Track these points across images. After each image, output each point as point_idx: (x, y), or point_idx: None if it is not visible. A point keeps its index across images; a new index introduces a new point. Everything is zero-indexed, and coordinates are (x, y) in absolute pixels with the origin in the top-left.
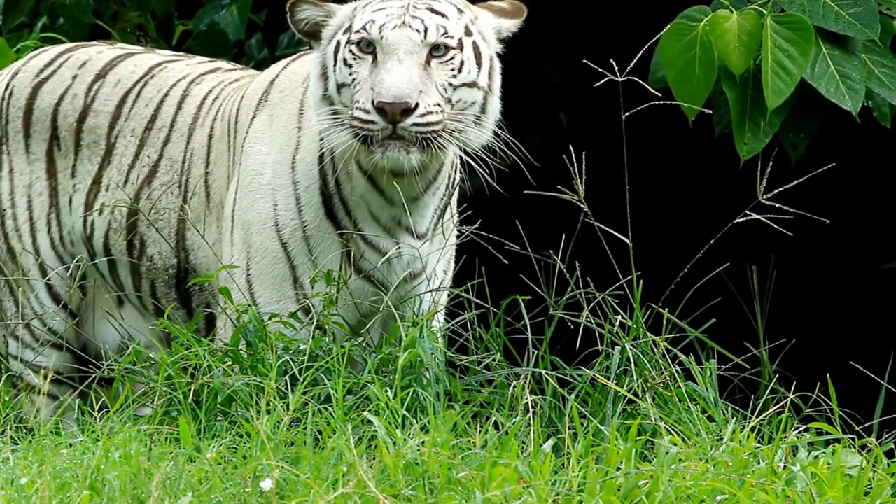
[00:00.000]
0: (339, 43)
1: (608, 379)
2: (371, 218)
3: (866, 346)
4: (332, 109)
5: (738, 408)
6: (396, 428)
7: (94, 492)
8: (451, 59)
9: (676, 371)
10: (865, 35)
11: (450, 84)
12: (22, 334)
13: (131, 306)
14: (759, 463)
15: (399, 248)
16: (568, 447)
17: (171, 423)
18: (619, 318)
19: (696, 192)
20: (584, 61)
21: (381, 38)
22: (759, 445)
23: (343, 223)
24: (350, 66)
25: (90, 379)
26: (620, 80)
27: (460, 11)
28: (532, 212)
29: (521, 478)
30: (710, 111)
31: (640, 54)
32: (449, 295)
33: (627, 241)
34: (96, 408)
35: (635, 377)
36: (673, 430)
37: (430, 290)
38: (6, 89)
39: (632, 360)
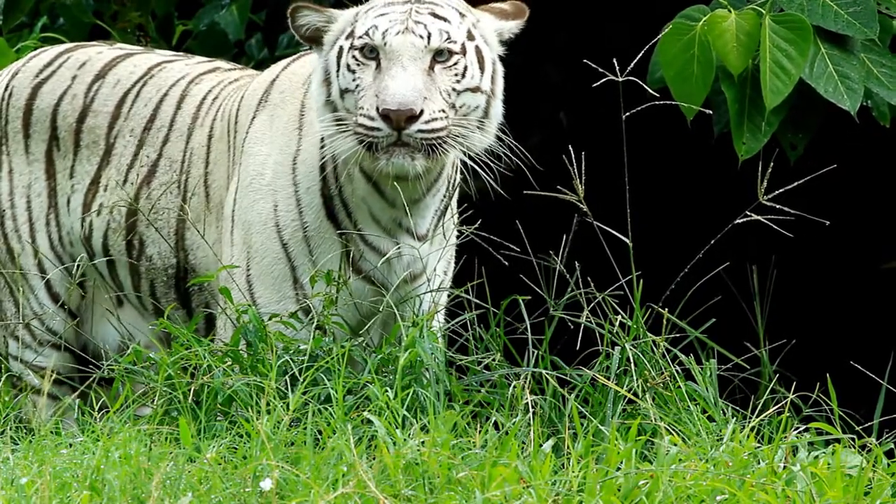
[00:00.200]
0: (341, 48)
1: (608, 379)
2: (372, 220)
3: (866, 346)
4: (336, 116)
5: (738, 408)
6: (396, 428)
7: (94, 492)
8: (455, 63)
9: (676, 371)
10: (864, 34)
11: (453, 89)
12: (22, 335)
13: (130, 306)
14: (759, 463)
15: (399, 248)
16: (568, 447)
17: (171, 423)
18: (619, 318)
19: (695, 192)
20: (584, 61)
21: (385, 43)
22: (759, 445)
23: (343, 224)
24: (353, 72)
25: (90, 379)
26: (620, 80)
27: (462, 15)
28: (532, 212)
29: (521, 478)
30: (710, 111)
31: (640, 55)
32: (449, 295)
33: (627, 241)
34: (96, 408)
35: (635, 377)
36: (673, 430)
37: (431, 291)
38: (6, 90)
39: (632, 360)
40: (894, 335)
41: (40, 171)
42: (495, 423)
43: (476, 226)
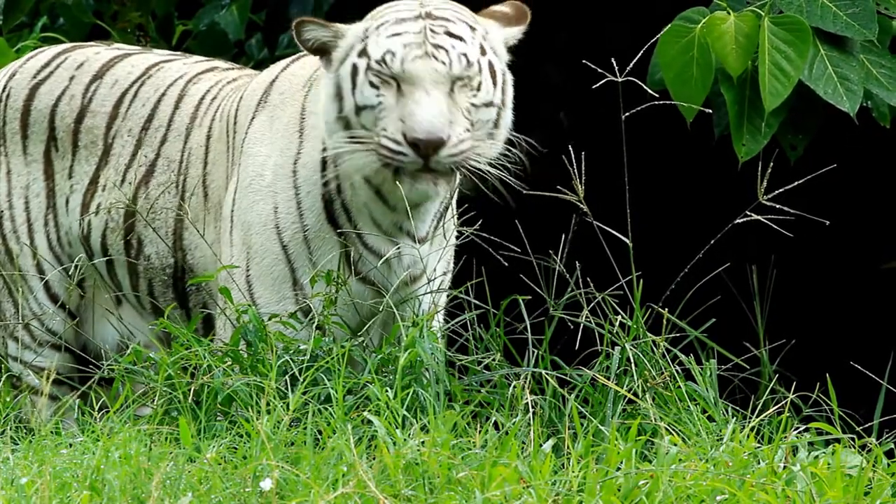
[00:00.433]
0: (355, 66)
1: (608, 379)
2: (372, 223)
3: (866, 346)
4: (352, 133)
5: (738, 408)
6: (396, 428)
7: (94, 492)
8: (471, 81)
9: (676, 371)
10: (863, 35)
11: (472, 105)
12: (21, 335)
13: (129, 305)
14: (759, 463)
15: (399, 248)
16: (568, 447)
17: (171, 423)
18: (619, 318)
19: (695, 192)
20: (584, 61)
21: (404, 71)
22: (759, 445)
23: (344, 227)
24: (376, 88)
25: (91, 380)
26: (620, 80)
27: (473, 29)
28: (532, 212)
29: (521, 478)
30: (710, 111)
31: (639, 55)
32: (448, 296)
33: (627, 241)
34: (96, 408)
35: (635, 377)
36: (673, 430)
37: (430, 292)
38: (3, 91)
39: (632, 360)
40: (894, 335)
41: (38, 171)
42: (495, 423)
43: (476, 226)
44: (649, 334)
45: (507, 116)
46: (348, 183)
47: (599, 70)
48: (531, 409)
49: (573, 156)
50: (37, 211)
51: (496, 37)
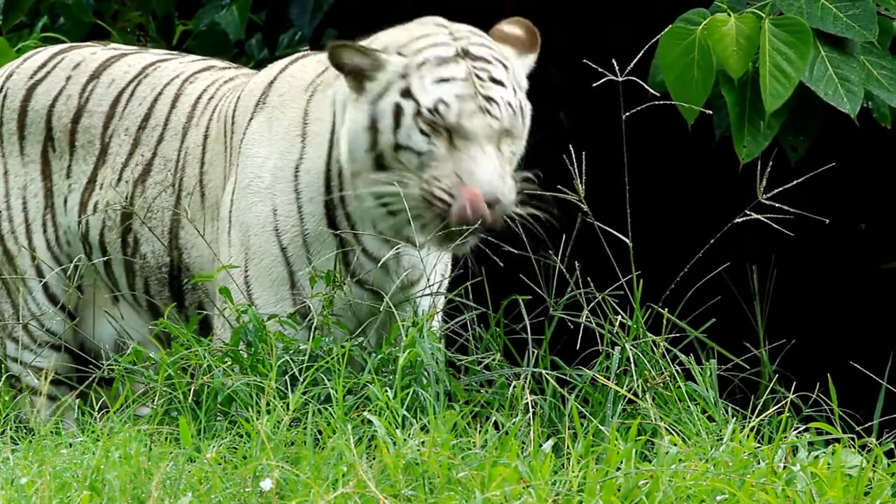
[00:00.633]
0: (399, 106)
1: (608, 379)
2: (374, 232)
3: (866, 346)
4: (391, 171)
5: (738, 408)
6: (396, 428)
7: (94, 492)
8: (515, 129)
9: (676, 371)
10: (864, 37)
11: (512, 153)
12: (20, 336)
13: (126, 303)
14: (759, 463)
15: (398, 249)
16: (568, 447)
17: (171, 423)
18: (619, 318)
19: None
20: (585, 61)
21: (460, 126)
22: (759, 445)
23: (346, 236)
24: (426, 136)
25: (90, 380)
26: (620, 80)
27: (507, 69)
28: None
29: (521, 478)
30: (710, 112)
31: (639, 55)
32: (445, 297)
33: (627, 241)
34: (96, 408)
35: (635, 377)
36: (673, 430)
37: (427, 294)
38: (0, 92)
39: (632, 360)
40: (894, 335)
41: (36, 172)
42: (495, 423)
43: (476, 226)
44: (649, 334)
45: (523, 144)
46: (351, 189)
47: (600, 70)
48: (531, 409)
49: (573, 156)
50: (35, 211)
51: (520, 70)
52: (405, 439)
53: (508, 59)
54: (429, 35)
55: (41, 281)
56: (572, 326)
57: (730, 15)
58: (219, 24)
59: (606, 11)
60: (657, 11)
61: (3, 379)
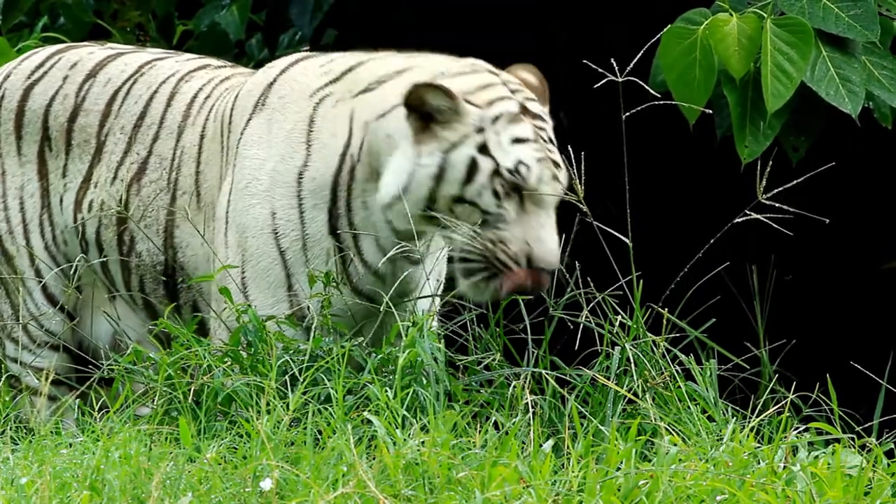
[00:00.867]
0: (475, 161)
1: (608, 379)
2: (376, 244)
3: (866, 346)
4: (448, 218)
5: (738, 408)
6: (396, 428)
7: (94, 492)
8: None
9: (676, 371)
10: (865, 37)
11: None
12: (19, 336)
13: (122, 301)
14: (759, 463)
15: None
16: (568, 447)
17: (171, 423)
18: (619, 318)
19: (696, 192)
20: (585, 61)
21: (536, 190)
22: (759, 445)
23: (346, 243)
24: (498, 198)
25: (90, 381)
26: (620, 80)
27: (550, 125)
28: None
29: (521, 478)
30: (711, 112)
31: (639, 55)
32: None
33: (627, 241)
34: (96, 408)
35: (635, 377)
36: (673, 430)
37: (426, 296)
38: None
39: (632, 360)
40: (894, 335)
41: (33, 172)
42: (495, 423)
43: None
44: (649, 334)
45: None
46: (360, 203)
47: (600, 70)
48: (531, 409)
49: (573, 156)
50: (32, 211)
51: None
52: (405, 439)
53: (543, 112)
54: (492, 86)
55: (40, 282)
56: (572, 326)
57: (731, 15)
58: (219, 24)
59: (606, 11)
60: (657, 11)
61: (3, 379)
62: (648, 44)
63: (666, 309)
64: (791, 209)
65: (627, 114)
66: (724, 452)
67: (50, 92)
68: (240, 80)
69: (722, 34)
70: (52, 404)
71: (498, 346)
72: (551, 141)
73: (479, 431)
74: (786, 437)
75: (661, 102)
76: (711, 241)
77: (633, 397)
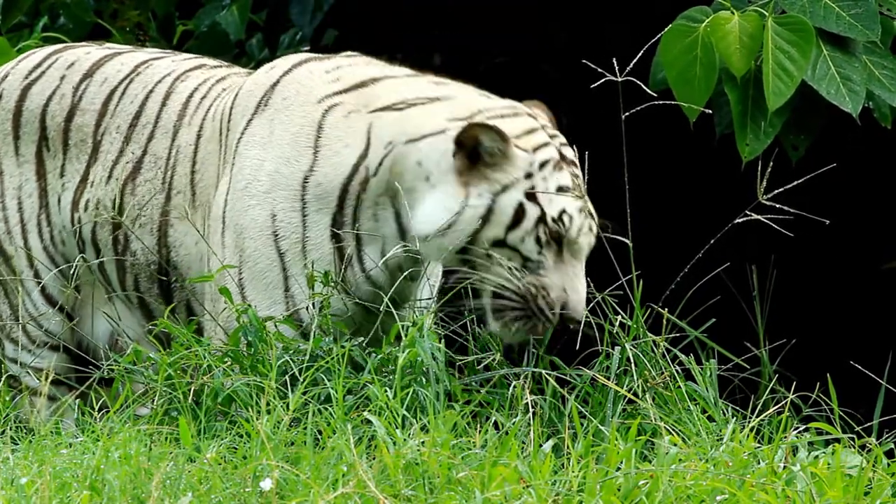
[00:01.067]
0: (523, 207)
1: (608, 379)
2: (380, 255)
3: (866, 346)
4: (482, 261)
5: (738, 408)
6: (396, 428)
7: (94, 492)
8: None
9: (676, 371)
10: (866, 36)
11: None
12: (18, 337)
13: (118, 300)
14: (759, 463)
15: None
16: (568, 447)
17: (171, 423)
18: (619, 318)
19: (696, 192)
20: (585, 61)
21: (577, 242)
22: (759, 445)
23: (349, 250)
24: (539, 245)
25: (90, 380)
26: (620, 80)
27: (579, 168)
28: None
29: (521, 478)
30: (710, 111)
31: (639, 55)
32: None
33: (627, 241)
34: (96, 408)
35: (635, 377)
36: (673, 430)
37: (424, 299)
38: None
39: (632, 360)
40: (894, 335)
41: (30, 172)
42: (495, 423)
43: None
44: (649, 334)
45: None
46: (370, 213)
47: (600, 70)
48: (531, 409)
49: (576, 155)
50: (30, 212)
51: None
52: (405, 439)
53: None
54: (535, 130)
55: (39, 283)
56: (572, 326)
57: (733, 13)
58: (219, 24)
59: (606, 11)
60: (657, 11)
61: (2, 379)
62: (649, 44)
63: (666, 309)
64: (791, 210)
65: (627, 114)
66: (724, 452)
67: (47, 92)
68: (237, 79)
69: (723, 32)
70: (52, 404)
71: (498, 346)
72: (585, 190)
73: (479, 431)
74: (786, 437)
75: (661, 102)
76: (712, 241)
77: (633, 397)
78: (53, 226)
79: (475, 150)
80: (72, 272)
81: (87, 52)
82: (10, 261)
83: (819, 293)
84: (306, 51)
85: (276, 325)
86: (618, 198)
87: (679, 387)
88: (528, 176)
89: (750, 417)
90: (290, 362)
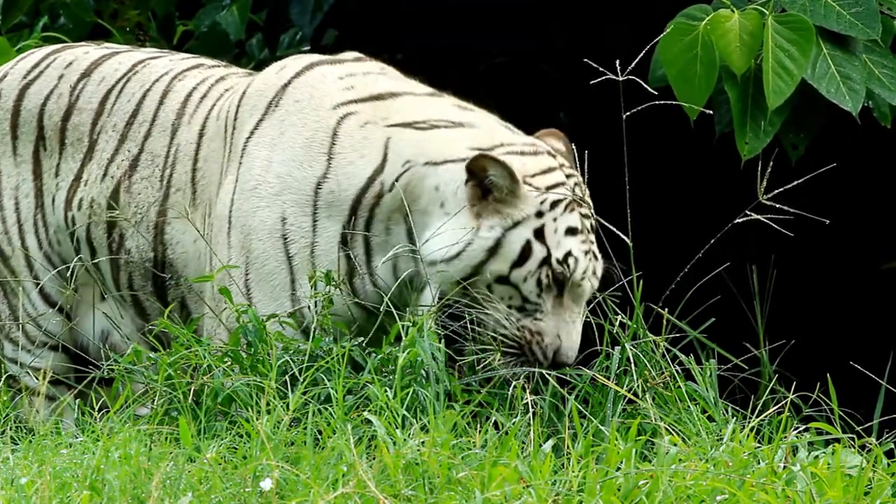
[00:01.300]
0: (530, 245)
1: (608, 379)
2: (390, 267)
3: (866, 346)
4: (480, 297)
5: (738, 408)
6: (396, 428)
7: (94, 492)
8: None
9: (676, 371)
10: (866, 35)
11: None
12: (16, 337)
13: (112, 298)
14: (759, 463)
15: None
16: (568, 447)
17: (171, 423)
18: (619, 318)
19: (696, 192)
20: (585, 60)
21: (580, 286)
22: (759, 445)
23: (359, 258)
24: (540, 287)
25: (87, 379)
26: (620, 79)
27: (590, 206)
28: None
29: (521, 478)
30: (711, 111)
31: (641, 54)
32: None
33: (627, 241)
34: (96, 408)
35: (635, 377)
36: (673, 430)
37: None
38: None
39: (632, 360)
40: (894, 335)
41: (27, 172)
42: (495, 423)
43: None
44: (649, 334)
45: None
46: (383, 226)
47: (600, 69)
48: (531, 409)
49: (576, 155)
50: (26, 212)
51: None
52: (405, 439)
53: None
54: (552, 170)
55: (37, 285)
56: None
57: (733, 11)
58: (219, 24)
59: (606, 11)
60: (657, 11)
61: (2, 379)
62: (650, 45)
63: (666, 309)
64: (791, 209)
65: (627, 113)
66: (724, 452)
67: (45, 91)
68: (238, 79)
69: (723, 30)
70: (51, 404)
71: (498, 345)
72: (595, 232)
73: (479, 431)
74: (786, 437)
75: (661, 102)
76: (712, 241)
77: (633, 397)
78: (49, 226)
79: (484, 182)
80: (70, 273)
81: (85, 52)
82: (8, 261)
83: (819, 293)
84: (306, 51)
85: (281, 325)
86: (618, 198)
87: (679, 387)
88: (539, 215)
89: (750, 417)
90: (290, 362)
